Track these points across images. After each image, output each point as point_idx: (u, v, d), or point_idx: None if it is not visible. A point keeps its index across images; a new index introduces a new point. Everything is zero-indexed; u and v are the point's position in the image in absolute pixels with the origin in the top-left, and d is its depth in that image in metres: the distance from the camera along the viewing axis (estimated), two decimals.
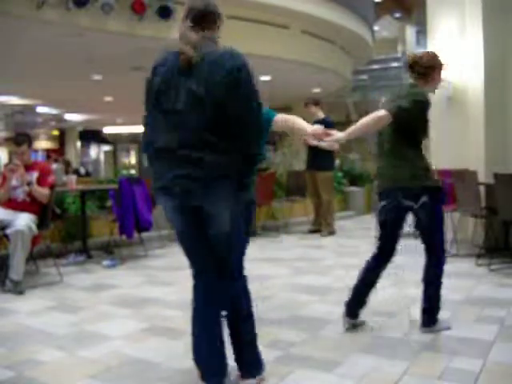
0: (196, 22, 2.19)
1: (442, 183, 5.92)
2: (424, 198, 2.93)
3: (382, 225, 3.16)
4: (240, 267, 2.41)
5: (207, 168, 2.10)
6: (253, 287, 3.33)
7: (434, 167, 3.24)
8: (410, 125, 2.93)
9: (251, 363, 2.37)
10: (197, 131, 2.10)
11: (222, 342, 2.27)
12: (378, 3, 15.44)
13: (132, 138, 22.57)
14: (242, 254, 2.43)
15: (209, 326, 2.27)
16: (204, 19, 2.21)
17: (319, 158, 6.88)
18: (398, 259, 5.37)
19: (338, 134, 2.89)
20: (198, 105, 2.08)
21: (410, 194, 2.95)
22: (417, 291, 4.01)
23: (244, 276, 2.42)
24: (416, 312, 3.46)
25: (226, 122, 2.10)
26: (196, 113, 2.09)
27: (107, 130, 21.66)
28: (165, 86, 2.15)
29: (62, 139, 21.10)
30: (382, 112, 2.87)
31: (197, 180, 2.11)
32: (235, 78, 2.08)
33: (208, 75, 2.07)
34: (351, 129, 2.92)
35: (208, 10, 2.22)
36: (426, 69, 3.07)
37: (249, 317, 2.38)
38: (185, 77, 2.11)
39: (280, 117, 3.07)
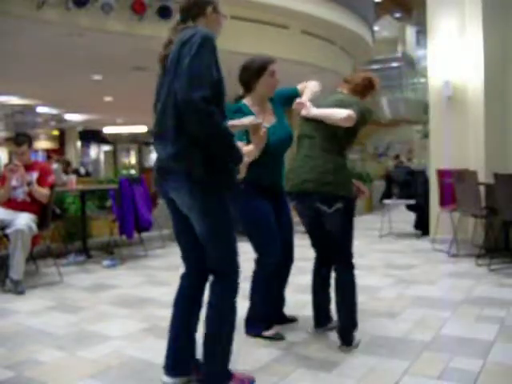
0: (183, 19, 2.26)
1: (442, 183, 5.98)
2: (338, 205, 2.79)
3: (308, 231, 3.10)
4: (223, 274, 2.22)
5: (166, 161, 2.11)
6: None
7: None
8: (354, 131, 2.86)
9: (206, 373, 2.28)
10: (163, 122, 2.13)
11: (185, 340, 2.33)
12: (378, 3, 15.44)
13: (132, 138, 22.56)
14: (224, 253, 2.20)
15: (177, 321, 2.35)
16: (189, 13, 2.25)
17: None
18: (399, 259, 5.39)
19: (311, 109, 2.88)
20: (164, 99, 2.13)
21: (325, 199, 2.81)
22: (417, 291, 4.02)
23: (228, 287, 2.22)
24: (416, 312, 3.46)
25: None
26: (162, 105, 2.14)
27: (107, 129, 21.64)
28: (157, 85, 2.26)
29: (62, 139, 21.08)
30: (353, 113, 2.73)
31: (163, 173, 2.16)
32: (178, 52, 2.07)
33: (170, 60, 2.13)
34: (319, 111, 2.86)
35: (189, 3, 2.25)
36: (362, 88, 3.07)
37: (211, 338, 2.22)
38: (163, 76, 2.20)
39: (301, 86, 3.16)
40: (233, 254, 2.22)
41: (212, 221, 2.13)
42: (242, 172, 2.25)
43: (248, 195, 2.90)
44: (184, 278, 2.38)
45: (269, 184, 3.04)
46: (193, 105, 1.95)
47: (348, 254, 2.89)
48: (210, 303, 2.23)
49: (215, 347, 2.23)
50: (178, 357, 2.34)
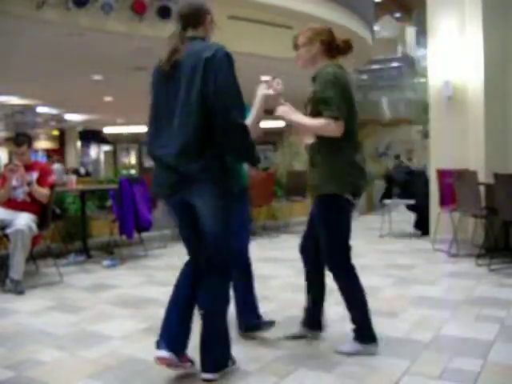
0: (184, 26, 2.37)
1: (442, 183, 5.98)
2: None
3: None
4: (223, 264, 2.43)
5: (191, 173, 2.30)
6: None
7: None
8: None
9: (207, 360, 2.41)
10: (184, 141, 2.26)
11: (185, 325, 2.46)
12: (378, 3, 15.44)
13: (132, 138, 22.56)
14: (227, 249, 2.44)
15: (181, 306, 2.47)
16: (190, 21, 2.37)
17: None
18: (399, 259, 5.40)
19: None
20: (183, 117, 2.27)
21: None
22: (418, 291, 4.02)
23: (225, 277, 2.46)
24: (416, 312, 3.46)
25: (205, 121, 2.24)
26: (181, 123, 2.27)
27: (107, 130, 21.65)
28: (154, 90, 2.40)
29: (62, 139, 21.09)
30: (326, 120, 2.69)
31: (185, 184, 2.32)
32: (198, 69, 2.21)
33: (188, 71, 2.24)
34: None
35: (191, 12, 2.37)
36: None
37: (209, 317, 2.41)
38: (167, 80, 2.32)
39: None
40: (230, 246, 2.47)
41: (223, 217, 2.36)
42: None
43: None
44: (188, 263, 2.56)
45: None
46: (238, 127, 2.24)
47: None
48: (206, 292, 2.43)
49: (215, 335, 2.41)
50: (174, 333, 2.45)
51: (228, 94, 2.21)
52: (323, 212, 2.73)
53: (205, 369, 2.39)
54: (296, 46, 2.85)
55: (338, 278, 2.75)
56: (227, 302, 2.47)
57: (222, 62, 2.21)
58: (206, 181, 2.28)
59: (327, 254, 2.75)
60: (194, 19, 2.36)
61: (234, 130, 2.24)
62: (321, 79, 2.68)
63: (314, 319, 2.97)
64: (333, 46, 2.79)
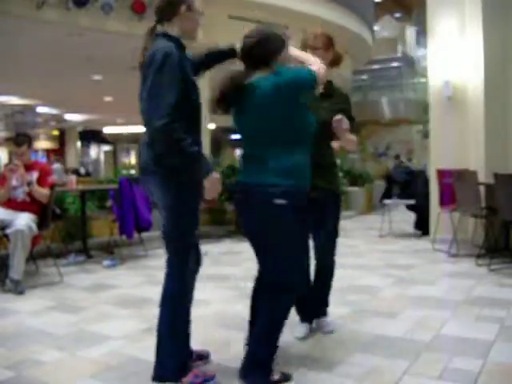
0: (158, 20, 2.33)
1: (442, 183, 5.98)
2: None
3: None
4: (174, 260, 2.35)
5: (147, 163, 2.31)
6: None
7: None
8: None
9: (160, 360, 2.35)
10: (146, 131, 2.30)
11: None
12: (378, 3, 15.47)
13: (132, 138, 22.58)
14: (178, 246, 2.34)
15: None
16: (163, 14, 2.31)
17: None
18: (399, 259, 5.40)
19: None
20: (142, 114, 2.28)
21: None
22: (417, 291, 4.02)
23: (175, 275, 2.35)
24: (416, 312, 3.46)
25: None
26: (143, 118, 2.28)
27: (107, 129, 21.67)
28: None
29: (62, 139, 21.11)
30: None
31: (144, 172, 2.36)
32: (147, 67, 2.21)
33: (143, 73, 2.28)
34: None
35: (161, 5, 2.30)
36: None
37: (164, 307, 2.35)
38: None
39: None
40: (187, 244, 2.36)
41: (176, 214, 2.28)
42: (209, 191, 2.24)
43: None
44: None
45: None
46: (155, 132, 2.13)
47: None
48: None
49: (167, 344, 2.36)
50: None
51: (150, 97, 2.14)
52: (335, 210, 2.92)
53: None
54: (314, 48, 2.71)
55: (331, 271, 3.02)
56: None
57: (154, 65, 2.15)
58: (157, 173, 2.26)
59: (330, 251, 2.98)
60: (166, 12, 2.28)
61: (157, 136, 2.14)
62: (347, 98, 2.89)
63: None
64: (337, 57, 2.83)
